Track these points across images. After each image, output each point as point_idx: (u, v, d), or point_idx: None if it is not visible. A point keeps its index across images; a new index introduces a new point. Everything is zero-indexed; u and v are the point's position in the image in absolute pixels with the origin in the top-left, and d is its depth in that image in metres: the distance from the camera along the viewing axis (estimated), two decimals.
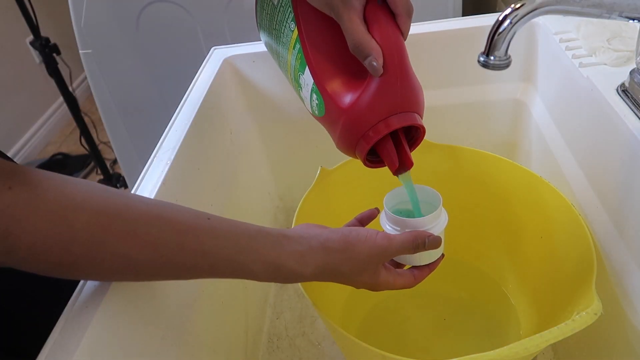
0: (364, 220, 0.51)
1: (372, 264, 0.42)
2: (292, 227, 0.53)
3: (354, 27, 0.41)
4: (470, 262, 0.67)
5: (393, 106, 0.42)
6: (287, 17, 0.46)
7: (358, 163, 0.46)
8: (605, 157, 0.48)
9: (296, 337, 0.65)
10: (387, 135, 0.43)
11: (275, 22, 0.48)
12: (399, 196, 0.51)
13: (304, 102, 0.49)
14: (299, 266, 0.39)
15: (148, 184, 0.46)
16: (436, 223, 0.47)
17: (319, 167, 0.59)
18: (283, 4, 0.46)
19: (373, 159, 0.46)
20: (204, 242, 0.35)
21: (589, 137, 0.52)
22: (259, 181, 0.77)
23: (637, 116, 0.43)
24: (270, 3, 0.48)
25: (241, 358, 0.57)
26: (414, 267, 0.47)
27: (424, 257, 0.47)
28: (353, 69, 0.44)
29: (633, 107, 0.45)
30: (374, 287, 0.44)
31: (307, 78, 0.46)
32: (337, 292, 0.63)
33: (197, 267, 0.35)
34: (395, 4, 0.42)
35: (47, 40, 1.44)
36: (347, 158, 0.61)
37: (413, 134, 0.46)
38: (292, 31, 0.46)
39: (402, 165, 0.45)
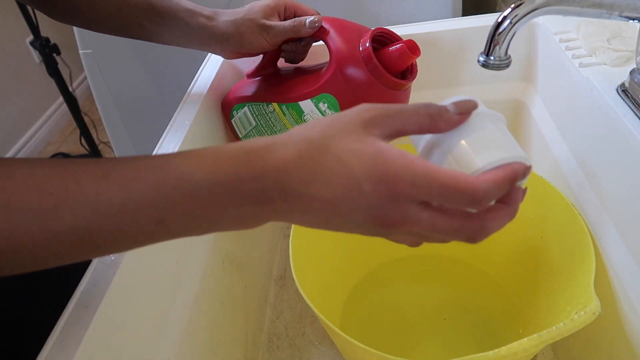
0: None
1: (356, 123, 0.28)
2: (292, 229, 0.53)
3: (282, 23, 0.52)
4: (470, 262, 0.67)
5: (358, 33, 0.52)
6: (268, 113, 0.57)
7: None
8: (605, 157, 0.48)
9: (296, 337, 0.65)
10: (379, 47, 0.53)
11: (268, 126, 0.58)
12: None
13: None
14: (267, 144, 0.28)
15: None
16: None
17: None
18: (266, 112, 0.57)
19: (397, 77, 0.52)
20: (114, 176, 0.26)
21: (589, 137, 0.52)
22: None
23: (637, 116, 0.43)
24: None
25: (241, 358, 0.57)
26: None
27: (477, 151, 0.30)
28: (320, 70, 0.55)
29: (633, 107, 0.44)
30: (374, 158, 0.27)
31: (306, 108, 0.54)
32: (337, 293, 0.63)
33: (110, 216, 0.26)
34: (302, 10, 0.54)
35: (47, 40, 1.44)
36: None
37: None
38: (274, 111, 0.56)
39: (410, 49, 0.51)
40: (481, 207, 0.28)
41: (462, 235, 0.29)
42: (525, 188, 0.32)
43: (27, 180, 0.25)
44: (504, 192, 0.28)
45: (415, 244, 0.32)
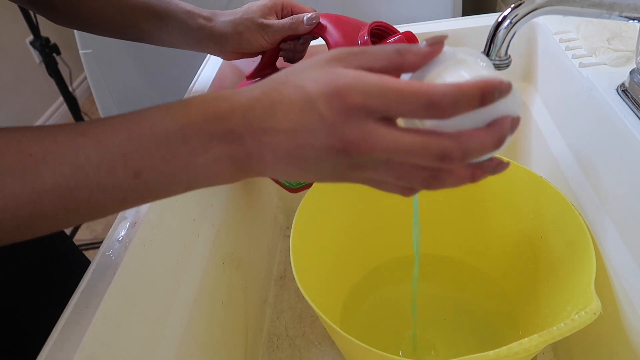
0: None
1: (319, 60, 0.28)
2: (292, 229, 0.53)
3: (280, 21, 0.53)
4: (470, 262, 0.67)
5: (356, 28, 0.53)
6: None
7: None
8: (605, 157, 0.48)
9: (296, 337, 0.65)
10: (377, 40, 0.54)
11: None
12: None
13: None
14: (234, 95, 0.28)
15: None
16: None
17: None
18: None
19: None
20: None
21: (589, 137, 0.52)
22: (258, 181, 0.77)
23: (637, 116, 0.43)
24: None
25: (241, 358, 0.57)
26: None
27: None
28: None
29: (633, 107, 0.44)
30: (327, 78, 0.27)
31: None
32: (337, 292, 0.63)
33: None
34: (299, 9, 0.55)
35: (47, 40, 1.44)
36: None
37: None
38: None
39: (409, 40, 0.52)
40: (444, 114, 0.25)
41: (434, 154, 0.26)
42: (518, 117, 0.28)
43: (7, 144, 0.26)
44: (474, 104, 0.26)
45: (402, 189, 0.30)
